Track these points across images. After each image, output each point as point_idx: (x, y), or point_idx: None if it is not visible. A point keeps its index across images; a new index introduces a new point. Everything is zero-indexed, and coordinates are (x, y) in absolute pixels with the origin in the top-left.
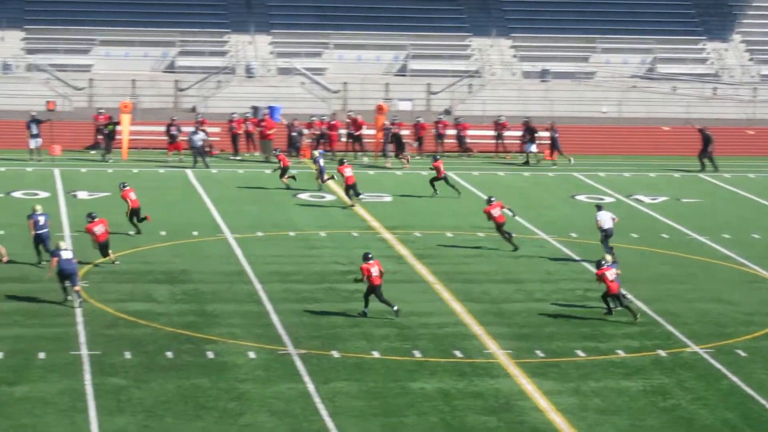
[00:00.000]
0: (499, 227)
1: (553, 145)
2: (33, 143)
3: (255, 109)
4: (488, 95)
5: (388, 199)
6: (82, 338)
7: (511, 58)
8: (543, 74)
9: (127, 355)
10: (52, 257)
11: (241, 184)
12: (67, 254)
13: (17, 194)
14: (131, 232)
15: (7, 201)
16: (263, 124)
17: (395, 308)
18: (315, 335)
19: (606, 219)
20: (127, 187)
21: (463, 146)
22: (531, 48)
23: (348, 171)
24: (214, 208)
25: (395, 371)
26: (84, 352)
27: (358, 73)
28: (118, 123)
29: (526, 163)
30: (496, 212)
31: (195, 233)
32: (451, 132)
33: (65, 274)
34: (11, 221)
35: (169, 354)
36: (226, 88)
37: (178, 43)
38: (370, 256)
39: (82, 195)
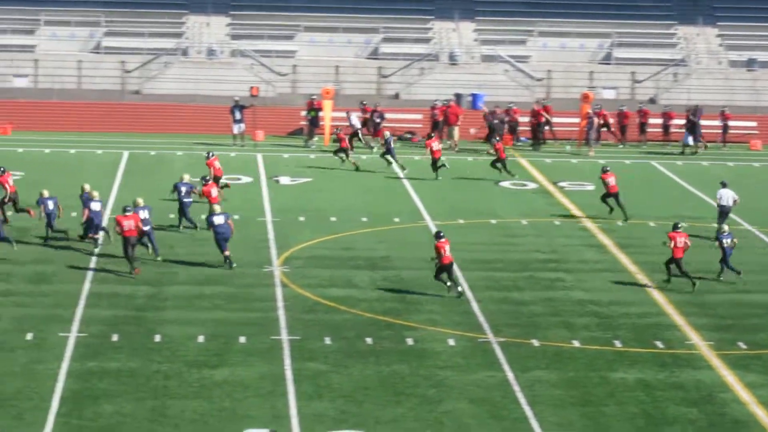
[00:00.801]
0: (609, 197)
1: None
2: (236, 128)
3: (458, 96)
4: (693, 84)
5: (590, 187)
6: (283, 323)
7: (717, 47)
8: (749, 63)
9: (327, 340)
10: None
11: (445, 171)
12: (220, 219)
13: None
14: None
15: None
16: (449, 111)
17: (459, 288)
18: (515, 323)
19: (727, 196)
20: (213, 156)
21: (667, 135)
22: (737, 37)
23: (435, 145)
24: (415, 195)
25: (595, 361)
26: (284, 336)
27: (562, 61)
28: (320, 109)
29: (682, 153)
30: (611, 181)
31: (396, 219)
32: (655, 121)
33: (220, 238)
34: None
35: (369, 340)
36: (429, 75)
37: (381, 30)
38: (441, 234)
39: (285, 180)
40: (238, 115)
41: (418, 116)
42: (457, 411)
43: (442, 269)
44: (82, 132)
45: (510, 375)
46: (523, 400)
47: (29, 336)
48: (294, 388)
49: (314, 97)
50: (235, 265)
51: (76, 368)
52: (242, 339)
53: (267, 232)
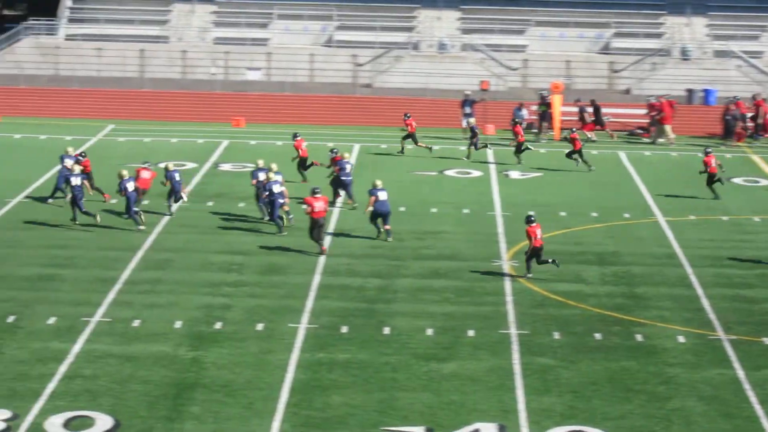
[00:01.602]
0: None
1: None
2: (466, 122)
3: (689, 92)
4: None
5: None
6: (511, 317)
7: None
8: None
9: (556, 335)
10: (371, 196)
11: (673, 167)
12: (383, 195)
13: (450, 173)
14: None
15: (441, 179)
16: (657, 107)
17: (551, 260)
18: (746, 321)
19: None
20: (299, 138)
21: None
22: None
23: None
24: (645, 191)
25: None
26: (512, 331)
27: None
28: (549, 103)
29: None
30: (713, 162)
31: (626, 215)
32: None
33: (379, 213)
34: (445, 199)
35: (598, 335)
36: (661, 71)
37: (613, 25)
38: (533, 218)
39: (514, 175)
40: (468, 109)
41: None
42: (686, 408)
43: (534, 253)
44: (313, 125)
45: (741, 373)
46: (753, 399)
47: (260, 326)
48: (522, 383)
49: (543, 92)
50: (391, 238)
51: (305, 359)
52: (471, 332)
53: (496, 226)
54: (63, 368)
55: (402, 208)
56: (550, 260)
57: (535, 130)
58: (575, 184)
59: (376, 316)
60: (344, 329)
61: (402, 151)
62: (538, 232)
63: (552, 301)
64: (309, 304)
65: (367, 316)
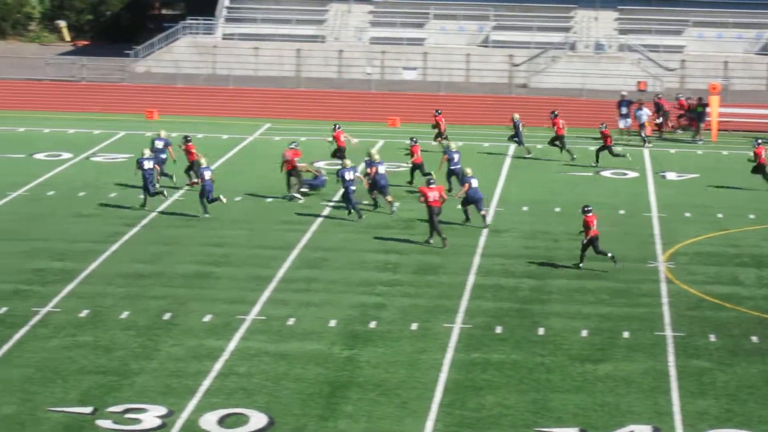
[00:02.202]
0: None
1: None
2: (622, 123)
3: None
4: None
5: None
6: (667, 319)
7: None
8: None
9: (712, 337)
10: (464, 184)
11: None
12: (475, 182)
13: (606, 174)
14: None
15: (596, 180)
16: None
17: (610, 255)
18: None
19: None
20: (339, 129)
21: None
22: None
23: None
24: None
25: None
26: (668, 333)
27: None
28: (707, 104)
29: None
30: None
31: None
32: None
33: (472, 200)
34: (600, 200)
35: (755, 338)
36: None
37: None
38: (589, 209)
39: (671, 176)
40: (624, 110)
41: None
42: None
43: (590, 243)
44: (468, 125)
45: None
46: None
47: (414, 326)
48: (677, 385)
49: (681, 95)
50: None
51: (459, 359)
52: (626, 334)
53: (652, 227)
54: (218, 366)
55: (557, 209)
56: (609, 254)
57: (693, 131)
58: (732, 186)
59: (531, 317)
60: (498, 329)
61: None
62: (595, 222)
63: (708, 303)
64: (463, 304)
65: (522, 317)
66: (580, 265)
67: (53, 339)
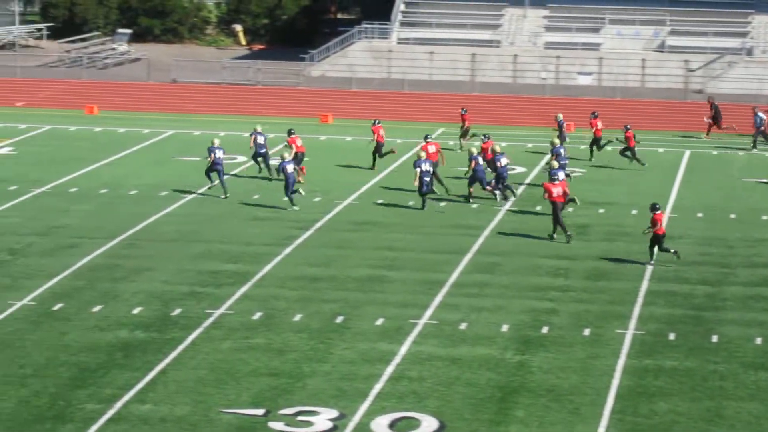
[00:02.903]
0: None
1: None
2: None
3: None
4: None
5: None
6: None
7: None
8: None
9: None
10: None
11: None
12: (561, 175)
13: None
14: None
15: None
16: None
17: (673, 251)
18: None
19: None
20: (378, 124)
21: None
22: None
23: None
24: None
25: None
26: None
27: None
28: None
29: None
30: None
31: None
32: None
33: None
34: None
35: None
36: None
37: None
38: (658, 206)
39: None
40: None
41: None
42: None
43: (656, 240)
44: (643, 130)
45: None
46: None
47: (586, 332)
48: None
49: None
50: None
51: (632, 365)
52: None
53: None
54: (390, 369)
55: (732, 216)
56: (672, 250)
57: None
58: None
59: (705, 324)
60: (671, 336)
61: (461, 148)
62: (663, 220)
63: None
64: (636, 310)
65: (696, 324)
66: (651, 262)
67: (226, 341)
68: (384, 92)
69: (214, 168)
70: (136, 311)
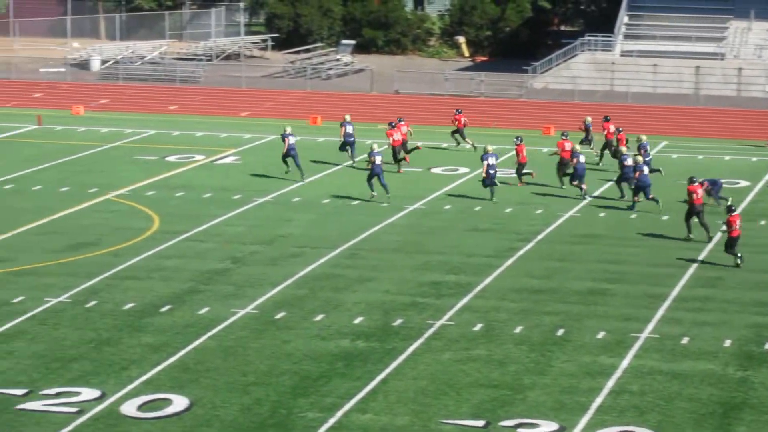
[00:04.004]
0: None
1: None
2: None
3: None
4: None
5: None
6: None
7: None
8: None
9: None
10: (636, 171)
11: None
12: (646, 169)
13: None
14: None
15: None
16: None
17: (739, 255)
18: None
19: None
20: (401, 122)
21: None
22: None
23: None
24: None
25: None
26: None
27: None
28: None
29: None
30: None
31: None
32: None
33: (641, 187)
34: None
35: None
36: None
37: None
38: (733, 208)
39: None
40: None
41: None
42: None
43: (731, 242)
44: None
45: None
46: None
47: None
48: None
49: None
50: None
51: None
52: None
53: None
54: (610, 383)
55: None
56: (738, 255)
57: None
58: None
59: None
60: None
61: (457, 145)
62: (738, 222)
63: None
64: None
65: None
66: (739, 263)
67: (447, 352)
68: (607, 104)
69: (288, 154)
70: (357, 321)
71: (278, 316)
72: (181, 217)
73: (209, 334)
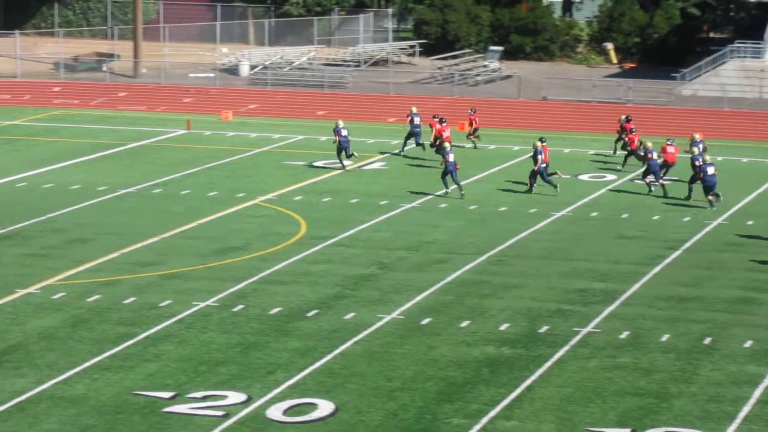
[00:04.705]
0: None
1: None
2: None
3: None
4: None
5: None
6: None
7: None
8: None
9: None
10: (700, 172)
11: None
12: (711, 170)
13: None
14: None
15: None
16: None
17: None
18: None
19: None
20: (437, 120)
21: None
22: None
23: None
24: None
25: None
26: None
27: None
28: None
29: None
30: None
31: None
32: None
33: (709, 186)
34: None
35: None
36: None
37: None
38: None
39: None
40: None
41: None
42: None
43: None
44: None
45: None
46: None
47: None
48: None
49: None
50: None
51: None
52: None
53: None
54: (758, 392)
55: None
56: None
57: None
58: None
59: None
60: None
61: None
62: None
63: None
64: None
65: None
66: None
67: (593, 359)
68: (756, 112)
69: (341, 147)
70: (503, 327)
71: (424, 321)
72: (327, 222)
73: (355, 339)
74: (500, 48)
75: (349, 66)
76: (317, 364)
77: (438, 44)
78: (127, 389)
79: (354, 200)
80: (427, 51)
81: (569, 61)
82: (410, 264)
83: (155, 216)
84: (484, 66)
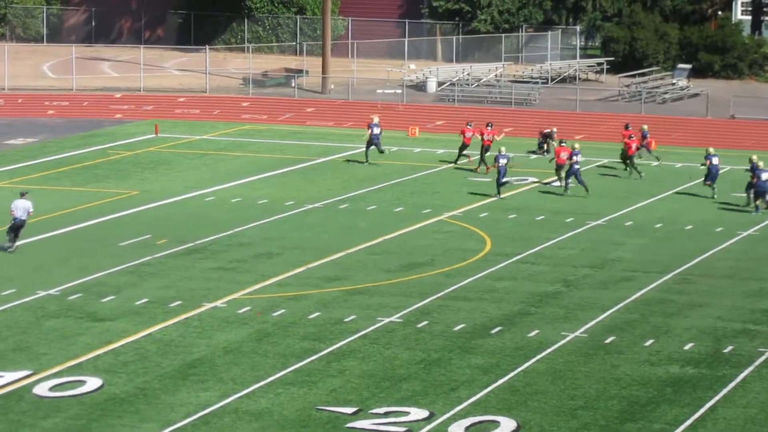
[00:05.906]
0: None
1: None
2: None
3: None
4: None
5: None
6: None
7: None
8: None
9: None
10: (754, 177)
11: None
12: (765, 176)
13: None
14: None
15: None
16: None
17: None
18: None
19: None
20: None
21: None
22: None
23: None
24: None
25: None
26: None
27: None
28: None
29: None
30: None
31: None
32: None
33: (760, 192)
34: None
35: None
36: None
37: None
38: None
39: None
40: None
41: None
42: None
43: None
44: None
45: None
46: None
47: None
48: None
49: None
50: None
51: None
52: None
53: None
54: None
55: None
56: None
57: None
58: None
59: None
60: None
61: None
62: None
63: None
64: None
65: None
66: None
67: None
68: None
69: (372, 142)
70: (687, 347)
71: (608, 340)
72: (512, 239)
73: (538, 356)
74: (688, 66)
75: (536, 83)
76: (500, 382)
77: (625, 62)
78: (311, 404)
79: (539, 217)
80: (615, 68)
81: (758, 79)
82: (595, 282)
83: (341, 231)
84: (672, 84)
